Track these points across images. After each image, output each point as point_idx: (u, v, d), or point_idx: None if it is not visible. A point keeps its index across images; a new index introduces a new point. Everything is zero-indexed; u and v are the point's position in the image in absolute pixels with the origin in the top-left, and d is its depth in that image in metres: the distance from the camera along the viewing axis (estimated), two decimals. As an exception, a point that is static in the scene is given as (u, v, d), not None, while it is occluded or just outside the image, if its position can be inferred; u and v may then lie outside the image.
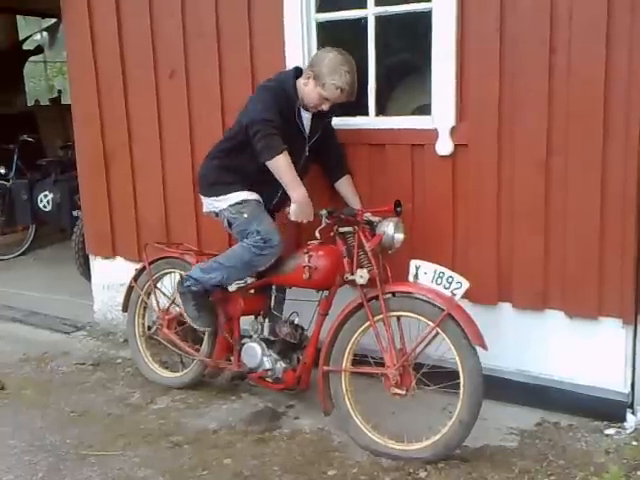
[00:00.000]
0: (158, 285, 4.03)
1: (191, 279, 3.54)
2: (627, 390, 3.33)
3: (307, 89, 3.32)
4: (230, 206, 3.44)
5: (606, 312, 3.30)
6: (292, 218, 3.19)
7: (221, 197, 3.48)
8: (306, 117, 3.43)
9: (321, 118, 3.47)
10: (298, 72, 3.40)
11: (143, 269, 4.02)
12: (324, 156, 3.60)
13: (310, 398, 3.55)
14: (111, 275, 4.78)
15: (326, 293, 3.39)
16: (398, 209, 3.27)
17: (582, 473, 2.94)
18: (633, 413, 3.31)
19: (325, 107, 3.34)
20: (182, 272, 3.83)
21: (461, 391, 3.01)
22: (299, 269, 3.33)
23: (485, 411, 3.03)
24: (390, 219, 3.25)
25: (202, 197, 3.65)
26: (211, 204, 3.57)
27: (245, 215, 3.40)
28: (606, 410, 3.33)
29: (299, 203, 3.19)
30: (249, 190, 3.42)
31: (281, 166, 3.22)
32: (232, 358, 3.68)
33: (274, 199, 3.46)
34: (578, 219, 3.26)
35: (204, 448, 3.30)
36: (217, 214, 3.56)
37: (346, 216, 3.27)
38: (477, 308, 3.39)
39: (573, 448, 3.15)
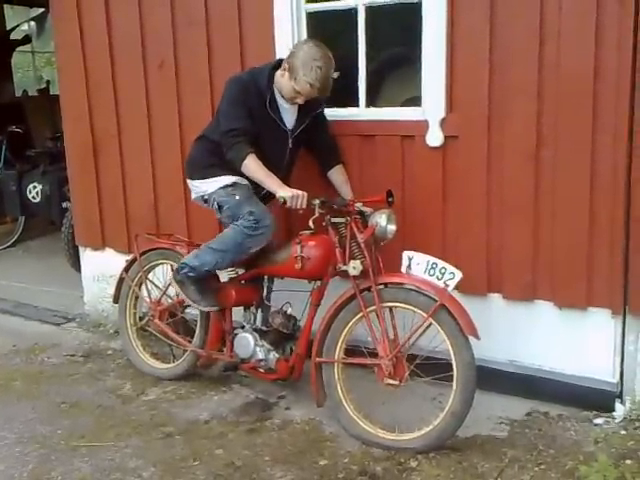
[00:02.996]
0: (149, 276, 4.02)
1: (186, 266, 3.52)
2: (616, 380, 3.36)
3: (283, 81, 3.30)
4: (220, 188, 3.42)
5: (595, 303, 3.32)
6: (287, 205, 3.16)
7: (210, 179, 3.46)
8: (287, 109, 3.40)
9: (308, 110, 3.44)
10: (279, 64, 3.37)
11: (134, 260, 4.00)
12: (316, 147, 3.59)
13: (301, 389, 3.56)
14: (101, 266, 4.77)
15: (318, 283, 3.39)
16: (390, 199, 3.27)
17: (571, 462, 2.97)
18: (622, 403, 3.33)
19: (300, 100, 3.32)
20: (173, 263, 3.83)
21: (454, 383, 3.01)
22: (291, 259, 3.32)
23: (476, 401, 3.04)
24: (382, 211, 3.24)
25: (189, 182, 3.62)
26: (198, 187, 3.54)
27: (237, 197, 3.37)
28: (595, 400, 3.35)
29: (287, 198, 3.13)
30: (240, 175, 3.38)
31: (250, 169, 3.25)
32: (224, 349, 3.69)
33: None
34: (567, 210, 3.28)
35: (195, 439, 3.30)
36: (206, 199, 3.52)
37: (338, 206, 3.26)
38: (467, 298, 3.39)
39: (563, 437, 3.18)
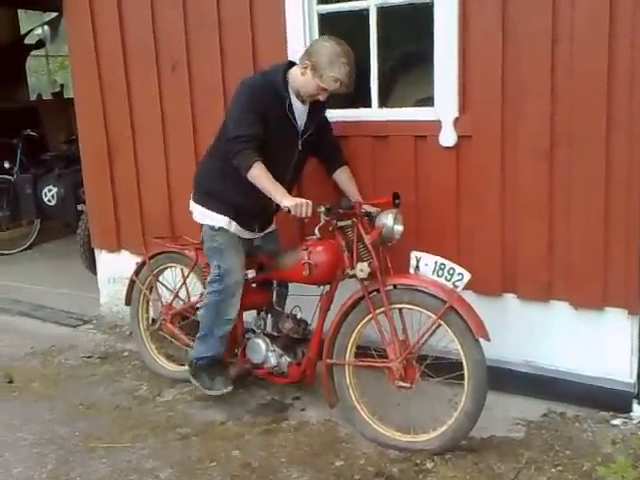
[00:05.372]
0: (160, 279, 4.03)
1: (194, 358, 3.59)
2: (633, 380, 3.33)
3: (303, 79, 3.26)
4: (208, 227, 3.47)
5: (611, 302, 3.30)
6: (292, 214, 3.12)
7: (205, 210, 3.48)
8: (300, 110, 3.36)
9: (317, 111, 3.43)
10: (290, 65, 3.35)
11: (143, 264, 4.02)
12: (320, 148, 3.55)
13: (316, 390, 3.55)
14: (117, 268, 4.79)
15: (327, 288, 3.37)
16: (397, 201, 3.26)
17: (589, 463, 2.95)
18: (639, 404, 3.31)
19: (322, 97, 3.29)
20: (183, 267, 3.83)
21: (465, 383, 3.01)
22: (299, 265, 3.30)
23: (491, 402, 3.04)
24: (389, 211, 3.22)
25: (192, 203, 3.58)
26: (195, 210, 3.55)
27: (215, 244, 3.44)
28: (612, 400, 3.33)
29: (292, 207, 3.08)
30: (235, 213, 3.40)
31: (256, 178, 3.19)
32: (237, 351, 3.69)
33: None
34: (582, 209, 3.26)
35: (212, 440, 3.32)
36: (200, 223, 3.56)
37: (344, 210, 3.23)
38: (481, 299, 3.40)
39: (579, 438, 3.16)
